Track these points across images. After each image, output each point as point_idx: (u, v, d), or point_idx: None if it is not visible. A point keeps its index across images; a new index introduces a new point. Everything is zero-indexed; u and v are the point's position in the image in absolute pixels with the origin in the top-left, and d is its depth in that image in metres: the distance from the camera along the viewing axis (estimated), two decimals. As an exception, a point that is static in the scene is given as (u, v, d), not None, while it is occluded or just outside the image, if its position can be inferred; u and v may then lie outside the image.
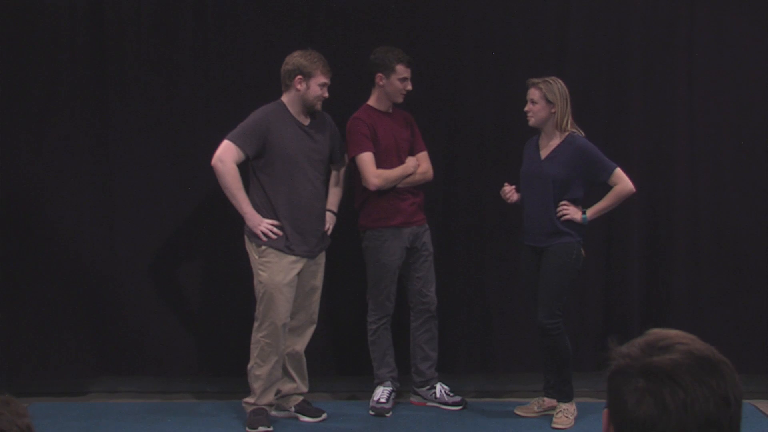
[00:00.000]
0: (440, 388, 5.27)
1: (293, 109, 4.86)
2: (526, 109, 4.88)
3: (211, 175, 5.38)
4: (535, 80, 4.84)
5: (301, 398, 5.12)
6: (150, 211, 5.45)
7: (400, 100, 5.12)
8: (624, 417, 1.39)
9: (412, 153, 5.19)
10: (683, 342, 1.42)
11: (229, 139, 4.77)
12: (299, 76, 4.80)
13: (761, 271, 5.47)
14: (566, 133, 4.83)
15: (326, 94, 4.85)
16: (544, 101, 4.80)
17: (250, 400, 4.91)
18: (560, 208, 4.84)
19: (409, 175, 5.12)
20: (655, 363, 1.38)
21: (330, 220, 5.07)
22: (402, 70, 5.04)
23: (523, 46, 5.45)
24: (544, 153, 4.88)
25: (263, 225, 4.79)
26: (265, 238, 4.79)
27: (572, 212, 4.82)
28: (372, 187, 5.03)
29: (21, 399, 1.61)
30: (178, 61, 5.41)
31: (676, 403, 1.35)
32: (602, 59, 5.45)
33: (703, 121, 5.46)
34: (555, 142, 4.86)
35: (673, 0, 5.45)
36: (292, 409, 5.10)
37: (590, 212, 4.86)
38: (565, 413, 4.93)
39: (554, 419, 4.94)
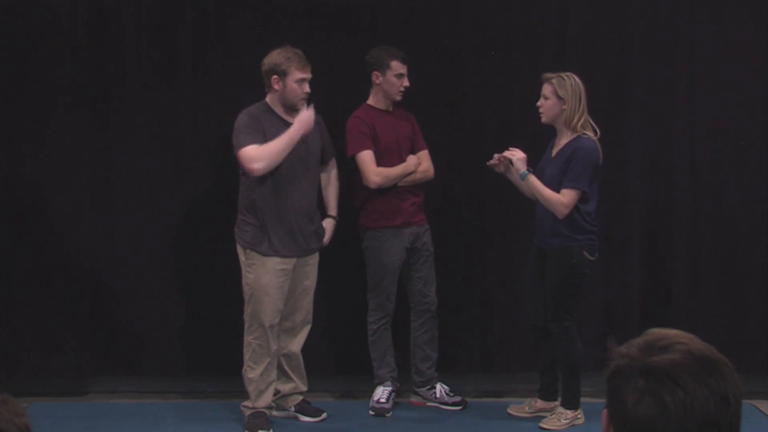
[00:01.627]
0: (440, 388, 5.26)
1: (278, 109, 4.80)
2: (538, 104, 4.78)
3: (210, 175, 5.40)
4: (549, 75, 4.73)
5: (300, 398, 5.11)
6: (150, 210, 5.45)
7: (398, 97, 5.10)
8: (623, 417, 1.39)
9: (413, 151, 5.18)
10: (682, 342, 1.41)
11: (245, 145, 4.63)
12: (275, 76, 4.73)
13: (761, 271, 5.47)
14: (577, 134, 4.72)
15: (307, 90, 4.75)
16: (556, 97, 4.70)
17: (247, 404, 4.89)
18: (510, 150, 4.74)
19: (409, 174, 5.11)
20: (654, 363, 1.38)
21: (329, 226, 5.01)
22: (397, 66, 5.03)
23: (523, 46, 5.45)
24: (555, 151, 4.81)
25: (308, 118, 4.65)
26: (308, 122, 4.64)
27: (517, 156, 4.71)
28: (372, 185, 5.02)
29: (21, 399, 1.61)
30: (178, 61, 5.41)
31: (676, 403, 1.35)
32: (602, 58, 5.44)
33: (703, 121, 5.46)
34: (564, 141, 4.76)
35: (673, 0, 5.45)
36: (292, 408, 5.10)
37: (533, 178, 4.70)
38: (560, 416, 4.88)
39: (545, 418, 4.91)
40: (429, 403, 5.27)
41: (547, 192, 4.68)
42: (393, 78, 5.04)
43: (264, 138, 4.68)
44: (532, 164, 4.86)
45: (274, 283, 4.77)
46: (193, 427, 4.96)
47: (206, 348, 5.52)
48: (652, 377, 1.37)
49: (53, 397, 5.41)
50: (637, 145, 5.44)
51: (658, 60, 5.44)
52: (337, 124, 5.14)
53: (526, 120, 5.23)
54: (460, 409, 5.22)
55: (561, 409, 4.91)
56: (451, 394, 5.27)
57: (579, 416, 4.92)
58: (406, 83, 5.06)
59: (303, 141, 4.77)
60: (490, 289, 5.55)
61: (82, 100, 5.36)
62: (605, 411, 1.45)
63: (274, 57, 4.75)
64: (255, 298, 4.77)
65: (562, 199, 4.67)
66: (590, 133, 4.73)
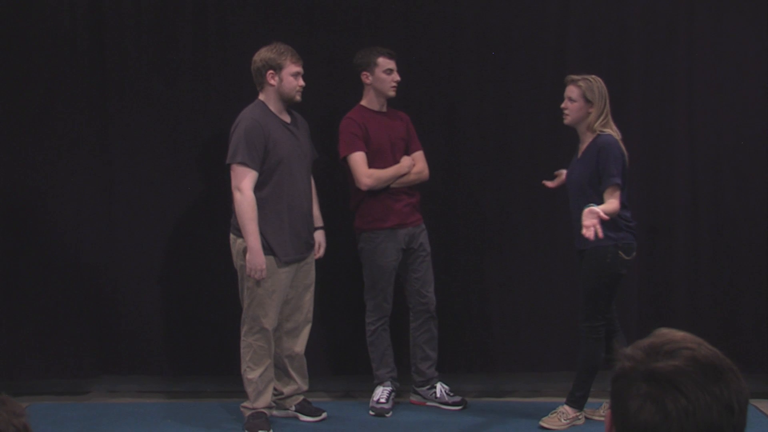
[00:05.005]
0: (440, 388, 5.26)
1: (274, 107, 4.80)
2: (562, 106, 4.75)
3: (210, 175, 5.39)
4: (575, 77, 4.71)
5: (301, 397, 5.11)
6: (150, 210, 5.45)
7: (391, 93, 5.08)
8: (626, 421, 1.38)
9: (408, 152, 5.17)
10: (688, 347, 1.40)
11: (242, 163, 4.62)
12: (270, 71, 4.74)
13: (761, 271, 5.47)
14: (596, 134, 4.69)
15: (302, 83, 4.78)
16: (583, 100, 4.68)
17: (247, 404, 4.88)
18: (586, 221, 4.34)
19: (403, 175, 5.08)
20: (658, 369, 1.37)
21: (322, 238, 5.02)
22: (384, 62, 5.02)
23: (523, 46, 5.45)
24: (579, 154, 4.79)
25: (261, 267, 4.66)
26: (257, 277, 4.66)
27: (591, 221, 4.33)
28: (363, 187, 5.01)
29: (21, 399, 1.61)
30: (178, 61, 5.41)
31: (678, 410, 1.34)
32: (602, 59, 5.44)
33: (703, 121, 5.45)
34: (587, 142, 4.74)
35: (673, 0, 5.44)
36: (292, 408, 5.09)
37: (596, 209, 4.37)
38: (561, 415, 4.86)
39: (545, 417, 4.88)
40: (429, 403, 5.27)
41: (609, 209, 4.47)
42: (382, 75, 5.03)
43: (270, 147, 4.66)
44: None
45: (276, 286, 4.76)
46: (192, 427, 4.96)
47: (206, 348, 5.52)
48: (655, 383, 1.36)
49: (53, 397, 5.42)
50: (637, 145, 5.43)
51: (658, 60, 5.43)
52: (336, 125, 5.13)
53: (525, 120, 5.23)
54: (460, 409, 5.22)
55: (564, 408, 4.89)
56: (451, 394, 5.26)
57: (580, 417, 4.90)
58: (397, 78, 5.05)
59: (298, 140, 4.82)
60: (490, 289, 5.55)
61: (82, 100, 5.36)
62: (608, 412, 1.45)
63: (266, 53, 4.76)
64: (257, 301, 4.76)
65: (610, 203, 4.52)
66: (608, 130, 4.69)
